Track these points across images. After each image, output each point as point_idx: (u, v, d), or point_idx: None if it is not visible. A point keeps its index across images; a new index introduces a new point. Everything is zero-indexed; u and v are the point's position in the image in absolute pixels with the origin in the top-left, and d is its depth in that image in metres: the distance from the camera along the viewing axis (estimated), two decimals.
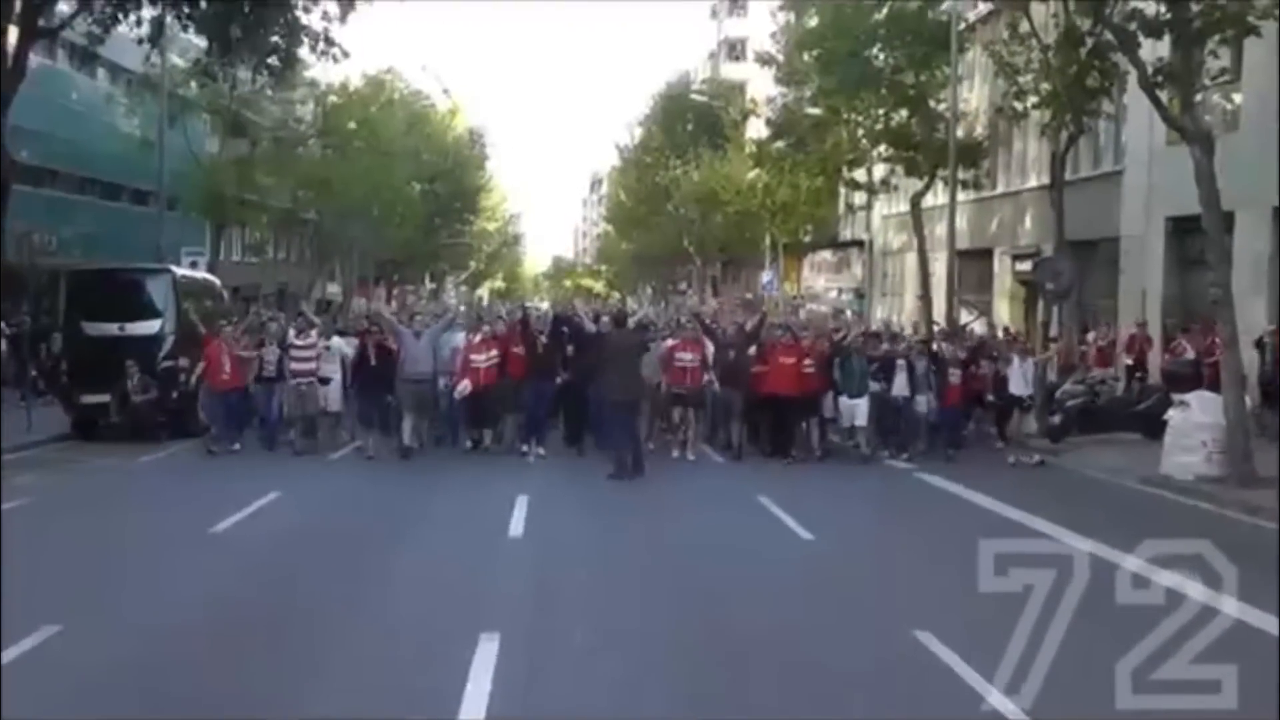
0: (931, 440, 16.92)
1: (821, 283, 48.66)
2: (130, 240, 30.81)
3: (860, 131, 28.52)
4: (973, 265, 30.40)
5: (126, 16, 19.42)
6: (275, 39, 20.14)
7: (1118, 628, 5.55)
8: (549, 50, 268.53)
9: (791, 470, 15.54)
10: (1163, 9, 14.56)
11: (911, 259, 32.20)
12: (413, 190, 48.68)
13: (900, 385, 16.55)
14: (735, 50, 67.46)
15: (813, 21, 28.68)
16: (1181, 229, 20.58)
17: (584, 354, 15.91)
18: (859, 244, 42.82)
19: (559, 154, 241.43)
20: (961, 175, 25.99)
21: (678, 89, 59.25)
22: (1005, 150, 30.22)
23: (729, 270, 59.44)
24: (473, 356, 15.77)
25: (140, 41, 20.58)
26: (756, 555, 10.32)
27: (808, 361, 16.26)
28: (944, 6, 25.58)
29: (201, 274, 24.53)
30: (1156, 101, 15.19)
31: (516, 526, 11.29)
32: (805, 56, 28.75)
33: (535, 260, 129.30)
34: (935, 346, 17.91)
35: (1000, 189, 30.59)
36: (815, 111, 29.53)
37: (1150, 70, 15.11)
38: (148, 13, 19.64)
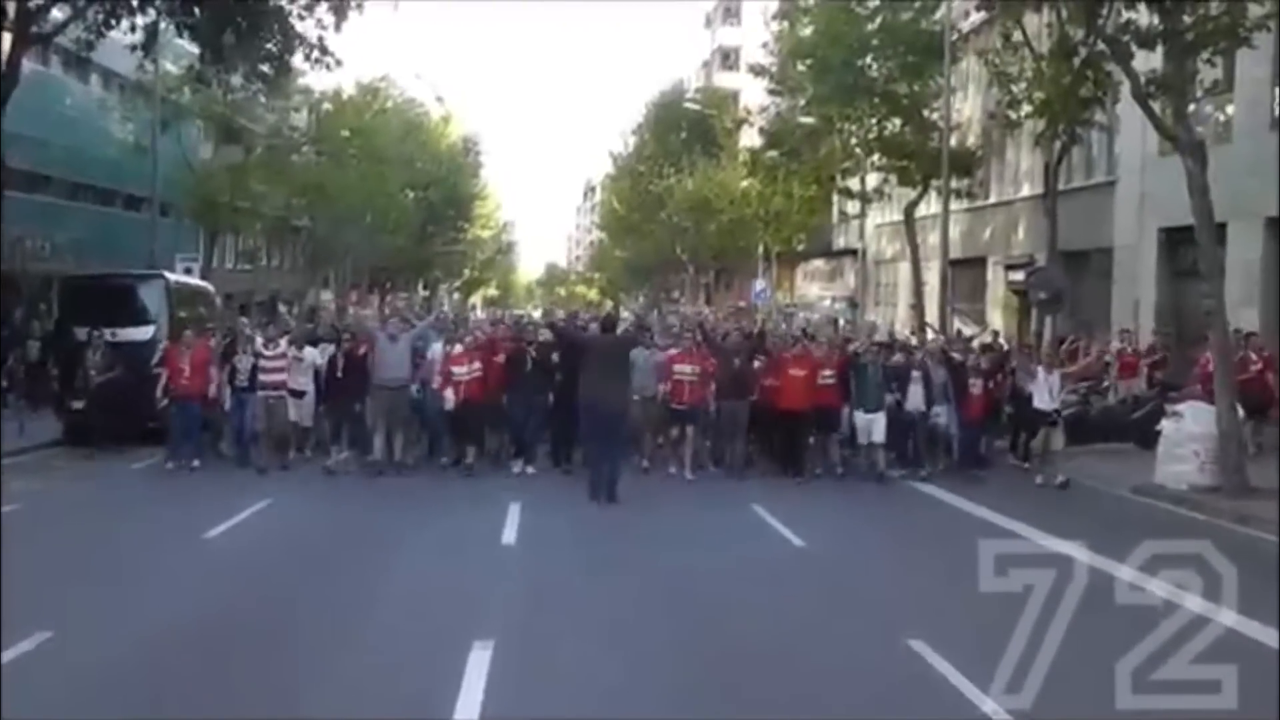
0: (955, 457, 15.65)
1: (814, 291, 48.75)
2: (123, 246, 30.71)
3: (853, 140, 28.63)
4: (966, 274, 30.49)
5: (120, 23, 19.37)
6: (269, 47, 20.07)
7: (1118, 628, 5.55)
8: (543, 58, 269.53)
9: (801, 490, 14.44)
10: (1156, 20, 14.61)
11: (904, 268, 32.29)
12: (406, 198, 48.77)
13: (915, 397, 15.40)
14: (729, 59, 67.77)
15: (806, 31, 28.73)
16: (1174, 239, 20.65)
17: (569, 363, 14.41)
18: (852, 253, 42.94)
19: (552, 161, 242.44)
20: (955, 184, 26.09)
21: (671, 97, 59.43)
22: (998, 160, 30.29)
23: (722, 278, 59.53)
24: (453, 369, 14.93)
25: (134, 48, 20.53)
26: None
27: (826, 373, 15.24)
28: (937, 16, 25.68)
29: (195, 280, 24.52)
30: (1149, 112, 15.21)
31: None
32: (799, 65, 28.83)
33: (529, 268, 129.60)
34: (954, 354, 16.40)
35: (993, 198, 30.66)
36: (808, 120, 29.66)
37: (1143, 80, 15.16)
38: (141, 19, 19.60)
